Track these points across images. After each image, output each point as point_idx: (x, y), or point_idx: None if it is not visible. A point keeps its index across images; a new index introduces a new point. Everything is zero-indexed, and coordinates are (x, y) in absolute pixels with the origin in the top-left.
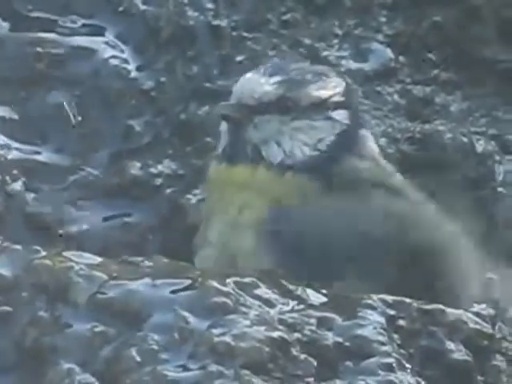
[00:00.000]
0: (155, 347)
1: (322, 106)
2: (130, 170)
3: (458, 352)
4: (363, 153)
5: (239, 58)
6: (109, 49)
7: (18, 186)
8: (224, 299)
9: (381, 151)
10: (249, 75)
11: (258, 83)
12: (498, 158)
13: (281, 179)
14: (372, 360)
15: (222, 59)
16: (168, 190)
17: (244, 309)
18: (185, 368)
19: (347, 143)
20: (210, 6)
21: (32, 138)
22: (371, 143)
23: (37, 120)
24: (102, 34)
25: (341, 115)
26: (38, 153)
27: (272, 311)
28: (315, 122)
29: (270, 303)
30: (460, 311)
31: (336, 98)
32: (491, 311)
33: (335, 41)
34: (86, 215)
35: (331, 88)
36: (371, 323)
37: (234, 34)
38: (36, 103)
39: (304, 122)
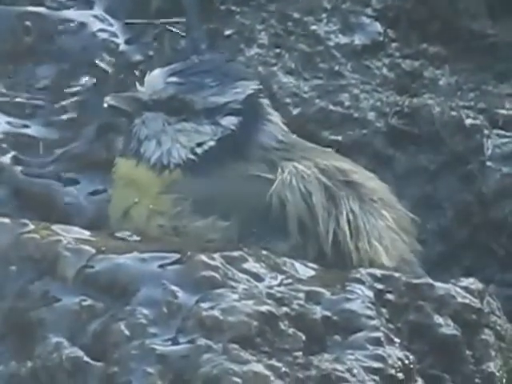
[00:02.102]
0: (143, 321)
1: (214, 112)
2: (117, 144)
3: (446, 326)
4: (252, 157)
5: (227, 32)
6: (97, 22)
7: (6, 159)
8: (212, 273)
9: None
10: (156, 71)
11: (156, 80)
12: (486, 132)
13: (157, 177)
14: (360, 334)
15: (210, 33)
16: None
17: (232, 283)
18: (173, 342)
19: (230, 149)
20: None
21: (20, 111)
22: (267, 142)
23: (25, 94)
24: (91, 8)
25: (228, 121)
26: (27, 126)
27: (260, 285)
28: (201, 126)
29: (258, 277)
30: (448, 285)
31: (231, 105)
32: (479, 286)
33: (324, 15)
34: (74, 189)
35: (229, 95)
36: (359, 297)
37: (223, 7)
38: (24, 77)
39: (190, 125)
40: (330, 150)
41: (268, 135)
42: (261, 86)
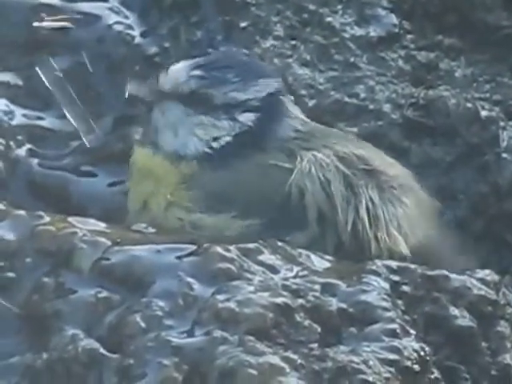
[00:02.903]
0: (159, 313)
1: (233, 108)
2: (134, 136)
3: (461, 318)
4: (269, 148)
5: (243, 24)
6: (113, 15)
7: (22, 151)
8: (228, 265)
9: (383, 117)
10: (180, 63)
11: (180, 73)
12: (501, 123)
13: (174, 168)
14: (376, 326)
15: (226, 25)
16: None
17: (248, 275)
18: (189, 334)
19: (247, 144)
20: None
21: (36, 103)
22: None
23: (41, 86)
24: (106, 0)
25: (246, 117)
26: (42, 118)
27: (276, 277)
28: (218, 121)
29: (273, 269)
30: (464, 277)
31: (251, 102)
32: (495, 277)
33: (339, 6)
34: (89, 181)
35: (250, 92)
36: (375, 289)
37: None
38: (40, 69)
39: (208, 119)
40: (351, 136)
41: (286, 127)
42: (282, 84)
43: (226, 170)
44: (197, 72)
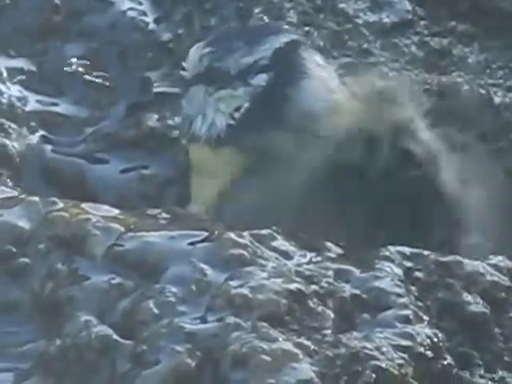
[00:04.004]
0: (172, 299)
1: (246, 73)
2: (147, 122)
3: (474, 304)
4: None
5: (256, 11)
6: (126, 1)
7: (35, 137)
8: (241, 251)
9: None
10: (194, 47)
11: (194, 54)
12: None
13: (215, 157)
14: (389, 312)
15: (240, 11)
16: (185, 142)
17: (261, 261)
18: (202, 320)
19: (264, 108)
20: None
21: (49, 90)
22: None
23: (54, 72)
24: None
25: (259, 79)
26: (56, 105)
27: (289, 263)
28: (235, 90)
29: (287, 255)
30: (477, 263)
31: (260, 63)
32: (509, 263)
33: None
34: (103, 167)
35: (257, 53)
36: (388, 275)
37: None
38: (53, 55)
39: (226, 92)
40: None
41: (306, 93)
42: (296, 37)
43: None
44: (208, 49)
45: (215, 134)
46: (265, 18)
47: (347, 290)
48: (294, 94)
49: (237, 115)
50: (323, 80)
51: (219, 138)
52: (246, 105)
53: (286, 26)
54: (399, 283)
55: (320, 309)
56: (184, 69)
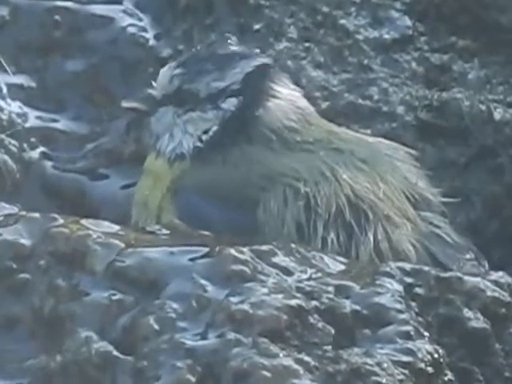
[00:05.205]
0: (173, 315)
1: (216, 96)
2: (147, 138)
3: (475, 320)
4: (256, 135)
5: (257, 26)
6: (126, 17)
7: (35, 153)
8: (242, 267)
9: (397, 119)
10: (165, 67)
11: (165, 75)
12: None
13: (169, 169)
14: (390, 328)
15: (240, 27)
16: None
17: (262, 277)
18: (203, 336)
19: (233, 130)
20: None
21: (50, 105)
22: (275, 115)
23: (54, 88)
24: (120, 3)
25: (229, 103)
26: (56, 121)
27: (290, 279)
28: (205, 113)
29: (287, 271)
30: (478, 279)
31: (231, 87)
32: (509, 279)
33: (353, 8)
34: (103, 183)
35: (229, 77)
36: (389, 291)
37: (252, 1)
38: (54, 71)
39: (196, 114)
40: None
41: (273, 114)
42: (266, 61)
43: (214, 164)
44: (178, 70)
45: (179, 153)
46: (265, 33)
47: (348, 305)
48: (263, 115)
49: (205, 138)
50: (292, 100)
51: (181, 157)
52: (215, 128)
53: (256, 50)
54: (400, 299)
55: (320, 325)
56: (154, 88)
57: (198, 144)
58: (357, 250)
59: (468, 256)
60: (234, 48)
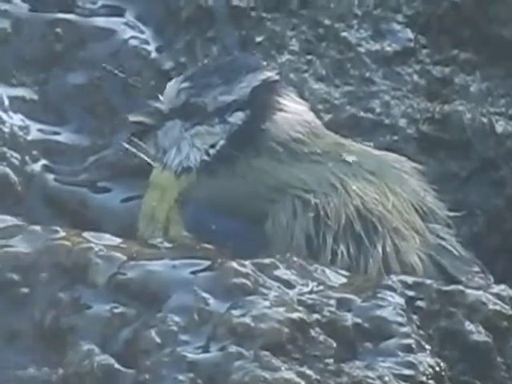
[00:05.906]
0: (175, 328)
1: (223, 110)
2: (149, 150)
3: (477, 333)
4: (263, 147)
5: (259, 39)
6: (128, 29)
7: (37, 166)
8: (243, 280)
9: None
10: (172, 81)
11: (172, 89)
12: None
13: (175, 182)
14: (391, 341)
15: (242, 39)
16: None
17: (263, 290)
18: (204, 349)
19: (240, 143)
20: None
21: (51, 118)
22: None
23: (56, 101)
24: (122, 15)
25: (236, 117)
26: (58, 133)
27: (291, 292)
28: (212, 127)
29: (289, 284)
30: (479, 292)
31: (238, 101)
32: (511, 292)
33: (354, 21)
34: (105, 196)
35: (236, 91)
36: (390, 304)
37: (254, 14)
38: (55, 84)
39: (203, 128)
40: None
41: (280, 126)
42: (272, 75)
43: (220, 178)
44: (185, 84)
45: (186, 166)
46: (267, 46)
47: (349, 318)
48: (270, 128)
49: (212, 151)
50: (299, 113)
51: (187, 170)
52: (222, 142)
53: (263, 62)
54: (401, 312)
55: (322, 338)
56: (161, 102)
57: (205, 158)
58: (366, 262)
59: (475, 269)
60: (240, 58)
